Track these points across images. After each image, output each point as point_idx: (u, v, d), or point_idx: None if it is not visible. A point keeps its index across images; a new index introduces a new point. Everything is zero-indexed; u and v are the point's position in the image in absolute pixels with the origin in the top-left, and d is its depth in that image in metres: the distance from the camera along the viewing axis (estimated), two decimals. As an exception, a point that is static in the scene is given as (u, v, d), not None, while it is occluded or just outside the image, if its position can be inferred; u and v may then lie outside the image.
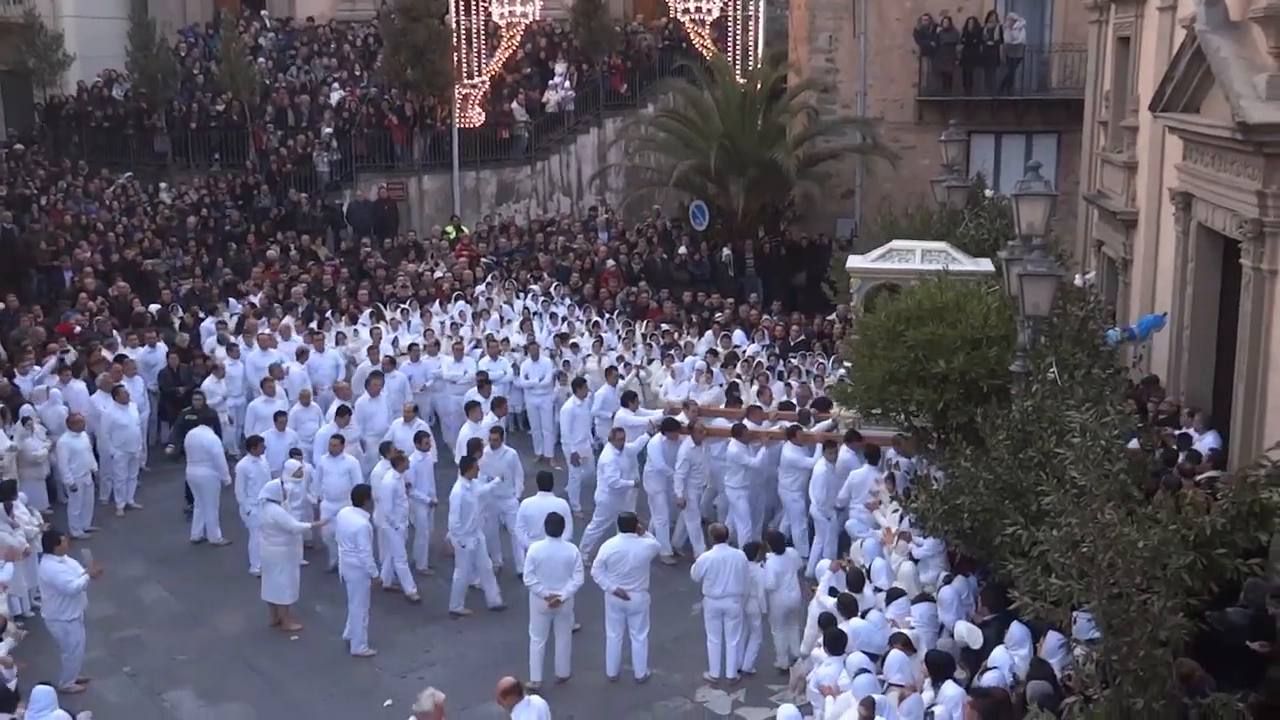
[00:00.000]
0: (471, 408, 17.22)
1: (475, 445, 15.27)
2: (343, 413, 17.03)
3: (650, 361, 20.61)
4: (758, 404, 17.47)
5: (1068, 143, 27.14)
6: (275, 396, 18.02)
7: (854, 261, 16.51)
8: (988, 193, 20.37)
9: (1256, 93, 12.87)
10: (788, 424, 16.39)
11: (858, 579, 12.42)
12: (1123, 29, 19.82)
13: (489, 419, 16.76)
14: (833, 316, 23.21)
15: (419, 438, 15.83)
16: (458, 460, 15.18)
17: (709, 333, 22.47)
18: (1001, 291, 13.29)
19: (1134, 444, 10.97)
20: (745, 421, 16.40)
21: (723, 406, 17.79)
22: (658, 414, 17.41)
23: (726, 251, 27.37)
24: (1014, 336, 12.60)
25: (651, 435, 16.40)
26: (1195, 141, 15.23)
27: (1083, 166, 22.99)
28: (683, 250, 27.56)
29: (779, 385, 19.31)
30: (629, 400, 17.69)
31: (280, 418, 17.00)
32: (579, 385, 18.33)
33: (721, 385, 18.97)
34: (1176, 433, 14.44)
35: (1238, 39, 13.94)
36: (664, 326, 22.88)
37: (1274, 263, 13.02)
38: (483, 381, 19.01)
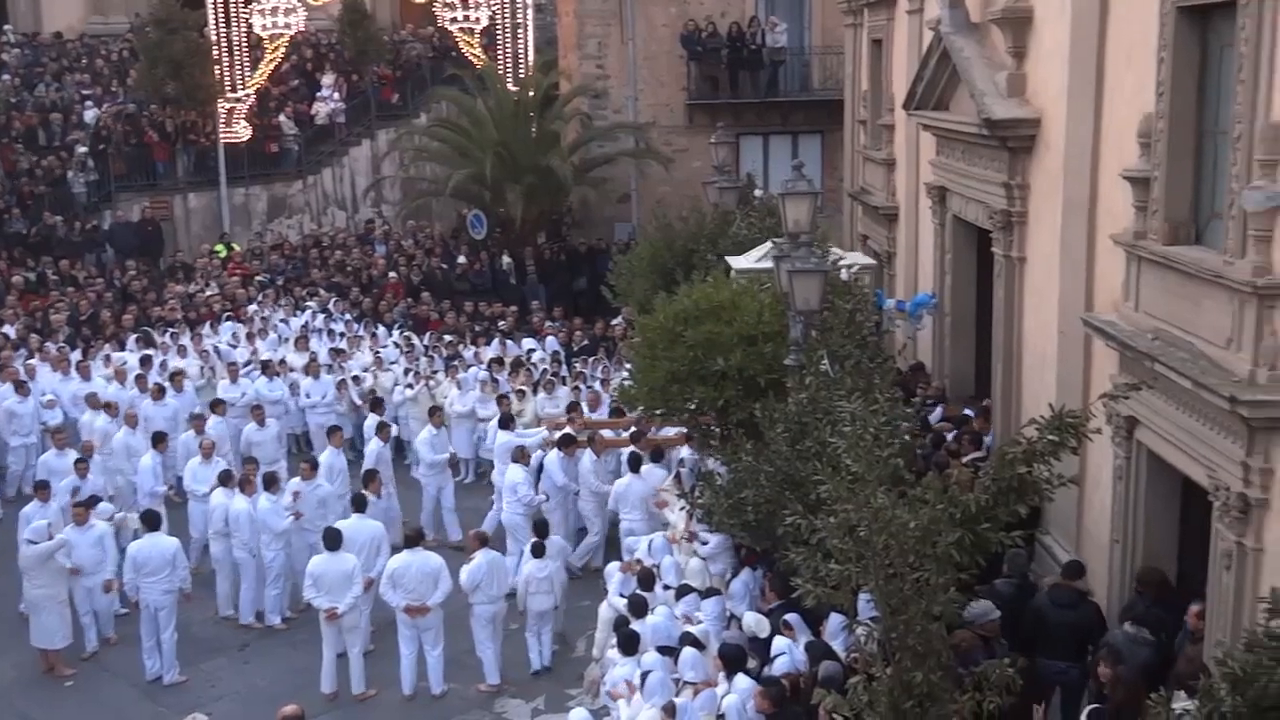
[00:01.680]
0: (333, 432, 17.31)
1: (271, 479, 15.15)
2: (80, 463, 16.11)
3: (434, 373, 20.38)
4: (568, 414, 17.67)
5: (831, 141, 28.01)
6: (67, 449, 16.90)
7: (737, 263, 16.81)
8: (757, 192, 20.83)
9: (998, 90, 13.58)
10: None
11: (648, 579, 12.54)
12: (875, 31, 20.63)
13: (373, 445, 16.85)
14: (618, 320, 23.44)
15: (225, 477, 15.43)
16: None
17: (495, 342, 22.43)
18: (774, 288, 13.62)
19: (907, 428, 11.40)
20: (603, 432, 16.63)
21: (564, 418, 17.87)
22: (538, 433, 17.46)
23: (507, 260, 27.28)
24: (787, 332, 12.92)
25: (546, 451, 16.47)
26: (946, 138, 15.96)
27: (845, 164, 23.80)
28: (462, 260, 27.35)
29: (564, 390, 19.43)
30: (507, 423, 17.57)
31: (80, 465, 16.15)
32: (434, 413, 17.97)
33: (507, 394, 19.02)
34: (961, 413, 15.10)
35: (979, 40, 14.68)
36: (447, 338, 22.69)
37: (1022, 250, 13.77)
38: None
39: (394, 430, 18.24)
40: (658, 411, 14.28)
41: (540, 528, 14.20)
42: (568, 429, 16.84)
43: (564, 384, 19.90)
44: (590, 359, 21.56)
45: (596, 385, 19.74)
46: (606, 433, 17.17)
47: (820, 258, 12.66)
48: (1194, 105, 9.91)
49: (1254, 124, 8.65)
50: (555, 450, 16.27)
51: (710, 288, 14.19)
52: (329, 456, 16.45)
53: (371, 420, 17.79)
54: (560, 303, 26.10)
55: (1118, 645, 9.78)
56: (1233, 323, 8.83)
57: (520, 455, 15.97)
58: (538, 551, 13.63)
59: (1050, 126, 12.76)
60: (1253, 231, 8.61)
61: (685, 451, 15.74)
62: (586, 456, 16.22)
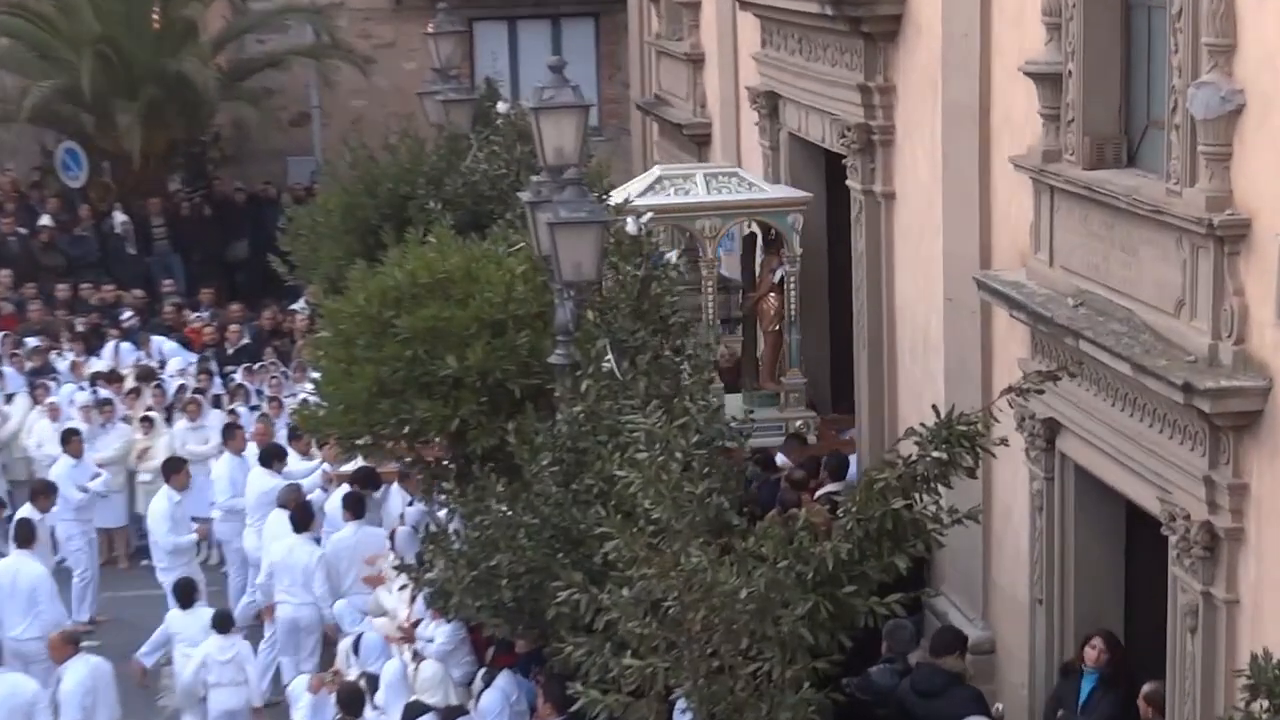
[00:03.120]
0: None
1: None
2: None
3: (9, 397, 19.81)
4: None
5: (609, 28, 28.25)
6: None
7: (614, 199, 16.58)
8: (503, 107, 20.75)
9: (846, -51, 13.90)
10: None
11: (353, 699, 12.39)
12: None
13: None
14: (297, 305, 23.06)
15: None
16: None
17: (111, 344, 22.05)
18: (528, 249, 13.62)
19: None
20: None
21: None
22: (311, 467, 17.52)
23: (121, 217, 26.64)
24: (551, 314, 12.94)
25: (329, 492, 16.62)
26: (776, 20, 16.24)
27: (632, 62, 24.04)
28: (46, 220, 26.59)
29: (215, 415, 19.28)
30: (272, 460, 17.50)
31: None
32: (176, 470, 17.56)
33: (128, 421, 18.77)
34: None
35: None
36: (31, 341, 22.07)
37: (888, 182, 14.11)
38: None
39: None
40: (358, 441, 14.15)
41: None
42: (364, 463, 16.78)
43: (216, 405, 19.60)
44: (255, 366, 21.30)
45: (265, 406, 19.50)
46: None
47: (595, 202, 12.70)
48: (1119, -33, 10.34)
49: (1202, -7, 9.02)
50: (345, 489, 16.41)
51: (434, 252, 14.11)
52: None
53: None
54: (208, 281, 25.62)
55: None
56: (1183, 277, 9.17)
57: (295, 504, 15.98)
58: (222, 625, 13.58)
59: (923, 1, 13.10)
60: (1205, 147, 8.93)
61: (402, 498, 15.68)
62: (395, 493, 16.40)
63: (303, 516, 15.90)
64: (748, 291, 17.48)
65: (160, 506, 17.03)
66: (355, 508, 15.89)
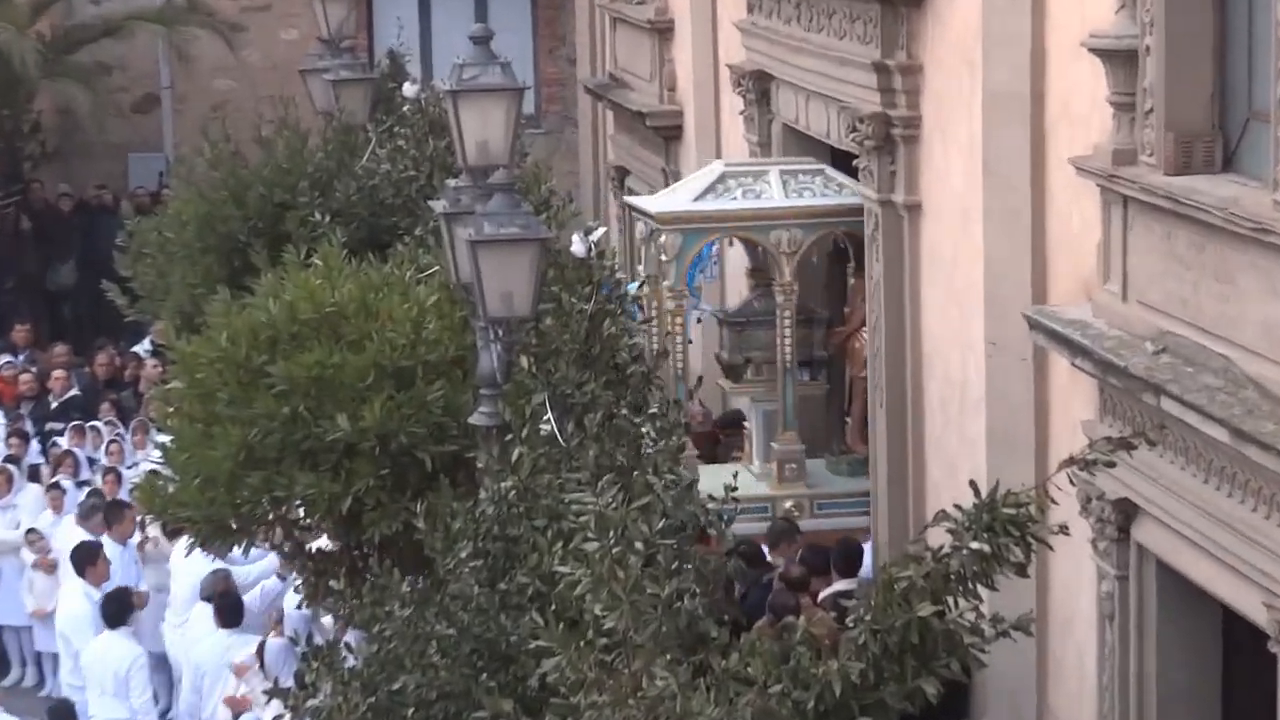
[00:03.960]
0: None
1: None
2: None
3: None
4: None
5: (549, -10, 28.40)
6: None
7: (657, 205, 16.60)
8: (410, 89, 20.77)
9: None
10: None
11: None
12: None
13: None
14: (140, 348, 23.01)
15: None
16: None
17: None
18: (443, 275, 13.58)
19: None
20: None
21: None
22: (260, 566, 17.57)
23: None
24: (472, 360, 12.89)
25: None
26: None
27: (579, 33, 24.08)
28: None
29: (32, 490, 19.40)
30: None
31: None
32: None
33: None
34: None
35: None
36: None
37: (913, 190, 14.14)
38: None
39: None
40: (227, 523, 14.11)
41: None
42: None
43: (33, 478, 19.77)
44: (85, 425, 21.32)
45: (98, 478, 19.55)
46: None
47: (532, 213, 12.70)
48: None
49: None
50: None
51: (320, 279, 14.09)
52: None
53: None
54: (23, 315, 25.75)
55: None
56: (1298, 317, 9.25)
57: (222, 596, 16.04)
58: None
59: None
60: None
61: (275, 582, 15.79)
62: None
63: (116, 608, 15.93)
64: (835, 326, 17.39)
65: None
66: (227, 612, 15.84)
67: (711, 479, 14.91)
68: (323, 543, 14.41)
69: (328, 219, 17.33)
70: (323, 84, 21.19)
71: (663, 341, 15.67)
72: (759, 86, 16.88)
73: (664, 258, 16.33)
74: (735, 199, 16.49)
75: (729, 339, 17.07)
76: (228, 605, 16.44)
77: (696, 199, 16.40)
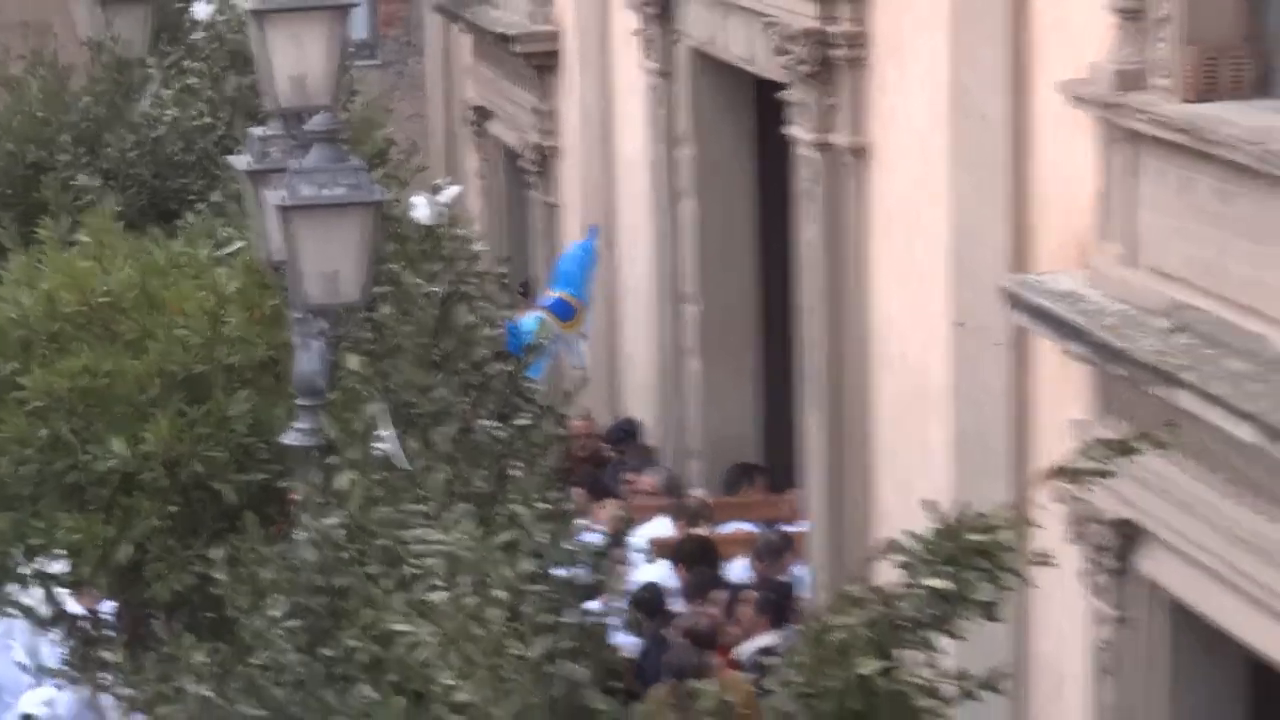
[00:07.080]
0: None
1: None
2: None
3: None
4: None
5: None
6: None
7: None
8: (203, 10, 20.82)
9: None
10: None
11: None
12: None
13: None
14: None
15: None
16: None
17: None
18: (248, 252, 13.66)
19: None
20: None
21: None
22: None
23: None
24: (287, 362, 12.97)
25: None
26: None
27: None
28: None
29: None
30: None
31: None
32: None
33: None
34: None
35: None
36: None
37: (857, 129, 14.15)
38: None
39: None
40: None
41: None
42: None
43: None
44: None
45: None
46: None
47: (364, 169, 12.76)
48: None
49: None
50: None
51: (88, 259, 14.09)
52: None
53: None
54: None
55: None
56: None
57: None
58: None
59: None
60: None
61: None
62: None
63: None
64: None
65: None
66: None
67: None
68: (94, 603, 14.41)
69: (98, 182, 17.38)
70: (89, 4, 21.19)
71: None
72: (658, 8, 16.97)
73: None
74: None
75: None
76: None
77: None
